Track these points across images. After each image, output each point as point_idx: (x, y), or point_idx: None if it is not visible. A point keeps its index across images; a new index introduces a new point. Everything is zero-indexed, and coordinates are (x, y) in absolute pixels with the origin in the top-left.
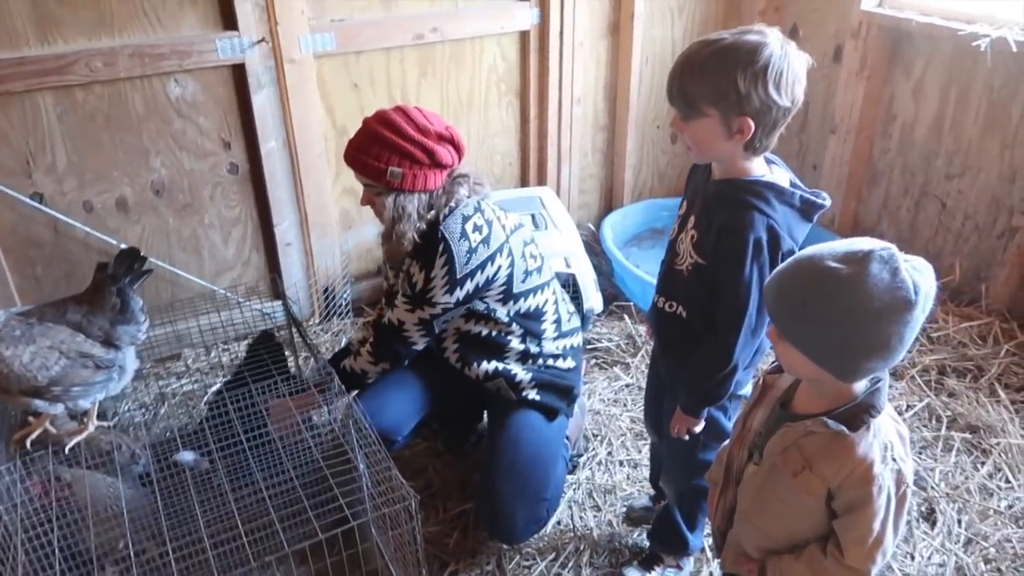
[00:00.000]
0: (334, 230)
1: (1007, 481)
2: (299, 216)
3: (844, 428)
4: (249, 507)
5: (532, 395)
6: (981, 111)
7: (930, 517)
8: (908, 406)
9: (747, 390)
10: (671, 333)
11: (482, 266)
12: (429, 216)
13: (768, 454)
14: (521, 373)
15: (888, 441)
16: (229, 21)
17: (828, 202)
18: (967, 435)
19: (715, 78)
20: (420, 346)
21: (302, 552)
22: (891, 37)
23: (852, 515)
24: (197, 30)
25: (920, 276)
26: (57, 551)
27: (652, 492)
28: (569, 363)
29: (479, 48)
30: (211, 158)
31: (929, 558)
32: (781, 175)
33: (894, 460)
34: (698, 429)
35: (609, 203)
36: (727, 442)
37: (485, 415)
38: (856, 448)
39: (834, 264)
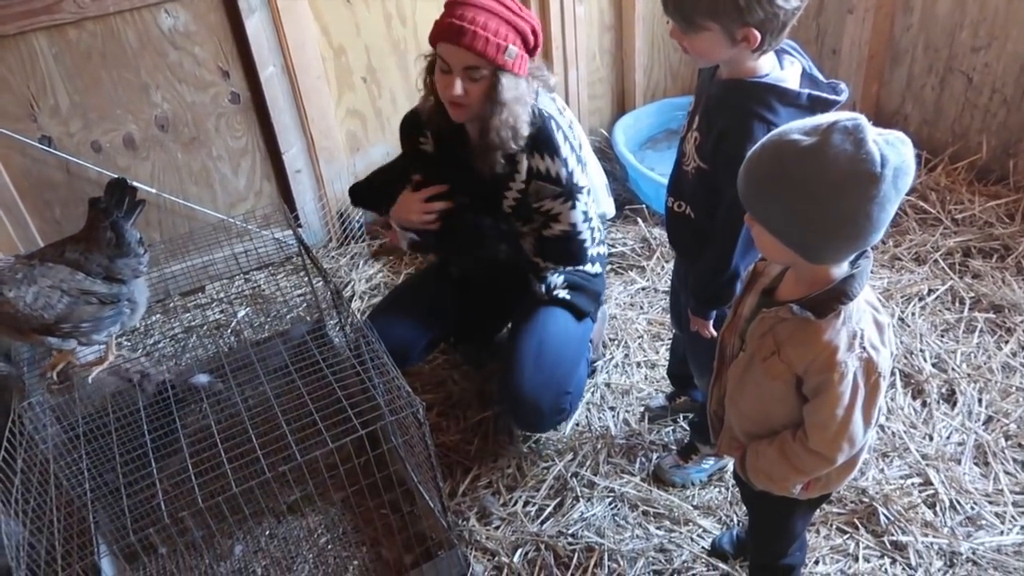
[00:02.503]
0: (342, 154)
1: None
2: (306, 142)
3: (809, 314)
4: (265, 422)
5: (562, 294)
6: None
7: (950, 398)
8: (930, 290)
9: None
10: (681, 233)
11: (576, 149)
12: (533, 102)
13: (748, 340)
14: (552, 275)
15: (859, 328)
16: None
17: (844, 96)
18: (991, 315)
19: None
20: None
21: (323, 461)
22: None
23: (816, 400)
24: None
25: (891, 149)
26: (86, 469)
27: (668, 391)
28: (597, 268)
29: None
30: (211, 89)
31: (948, 437)
32: (792, 69)
33: (863, 348)
34: (710, 329)
35: (622, 106)
36: (722, 328)
37: (505, 327)
38: (822, 334)
39: (797, 136)
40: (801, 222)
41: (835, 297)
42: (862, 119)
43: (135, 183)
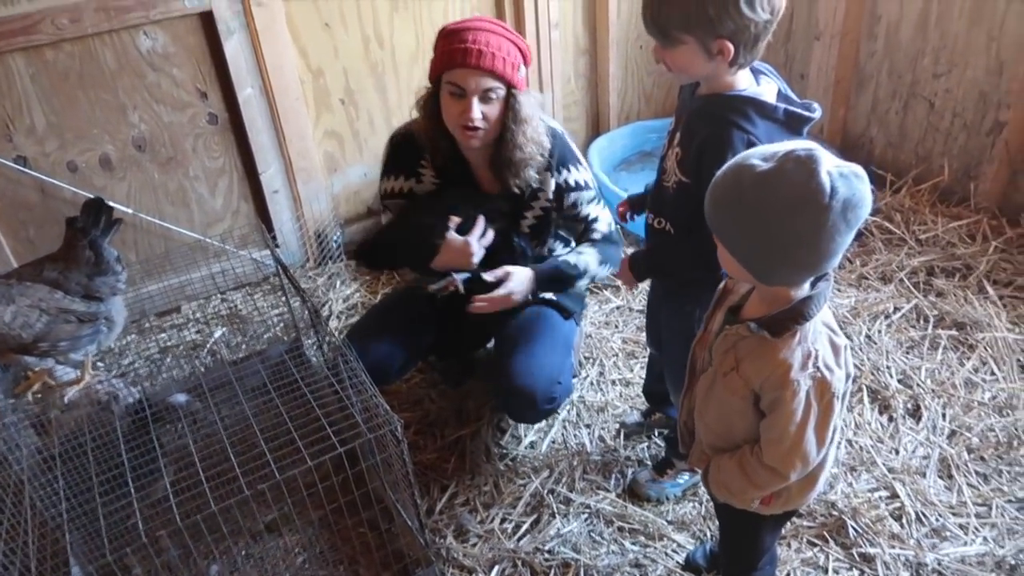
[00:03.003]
0: (320, 174)
1: (992, 373)
2: (283, 162)
3: (766, 332)
4: (242, 441)
5: (549, 295)
6: (966, 4)
7: (916, 413)
8: (895, 308)
9: None
10: (660, 248)
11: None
12: (540, 120)
13: (714, 355)
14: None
15: (814, 349)
16: None
17: (817, 114)
18: (954, 332)
19: (683, 5)
20: None
21: (301, 480)
22: None
23: (771, 416)
24: None
25: (843, 182)
26: (62, 489)
27: (643, 408)
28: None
29: None
30: (189, 109)
31: (914, 451)
32: (768, 87)
33: (816, 368)
34: (631, 286)
35: (596, 128)
36: (694, 341)
37: (485, 345)
38: (777, 352)
39: (756, 161)
40: (753, 244)
41: (791, 317)
42: (817, 150)
43: (111, 203)
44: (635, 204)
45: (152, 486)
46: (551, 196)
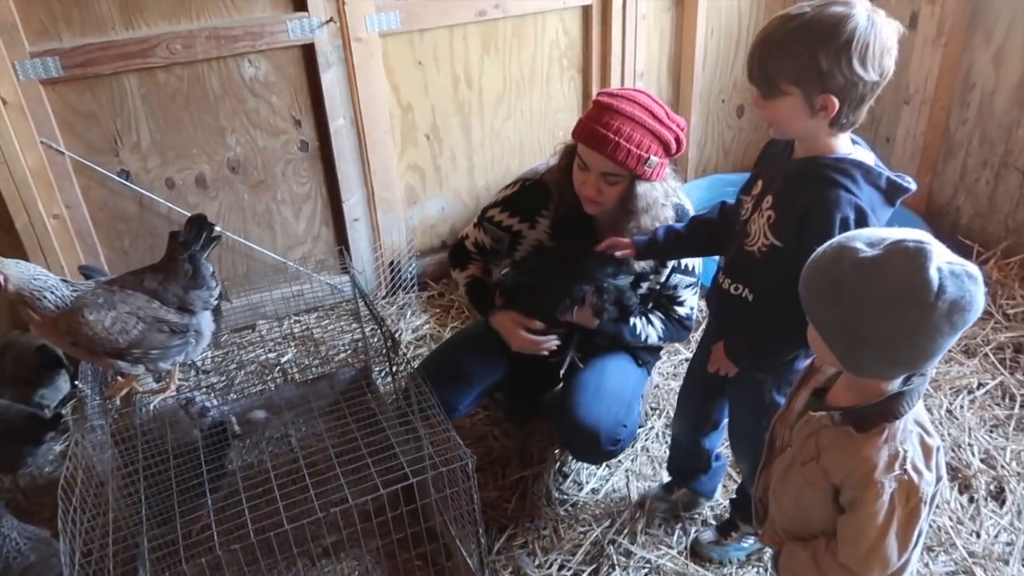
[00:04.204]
0: (400, 206)
1: None
2: (366, 192)
3: (850, 427)
4: (312, 464)
5: (615, 343)
6: None
7: (999, 496)
8: (980, 384)
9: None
10: (733, 315)
11: None
12: (664, 207)
13: (795, 438)
14: (607, 322)
15: (903, 449)
16: (299, 2)
17: (914, 186)
18: None
19: (795, 55)
20: None
21: (365, 506)
22: (970, 1)
23: (850, 515)
24: (269, 12)
25: (954, 281)
26: (142, 492)
27: (666, 480)
28: (646, 333)
29: (541, 23)
30: (283, 136)
31: (996, 536)
32: (865, 155)
33: (904, 470)
34: (731, 373)
35: None
36: (774, 417)
37: (554, 388)
38: (862, 449)
39: (861, 245)
40: (846, 331)
41: (880, 413)
42: (929, 243)
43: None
44: (642, 251)
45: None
46: (662, 279)
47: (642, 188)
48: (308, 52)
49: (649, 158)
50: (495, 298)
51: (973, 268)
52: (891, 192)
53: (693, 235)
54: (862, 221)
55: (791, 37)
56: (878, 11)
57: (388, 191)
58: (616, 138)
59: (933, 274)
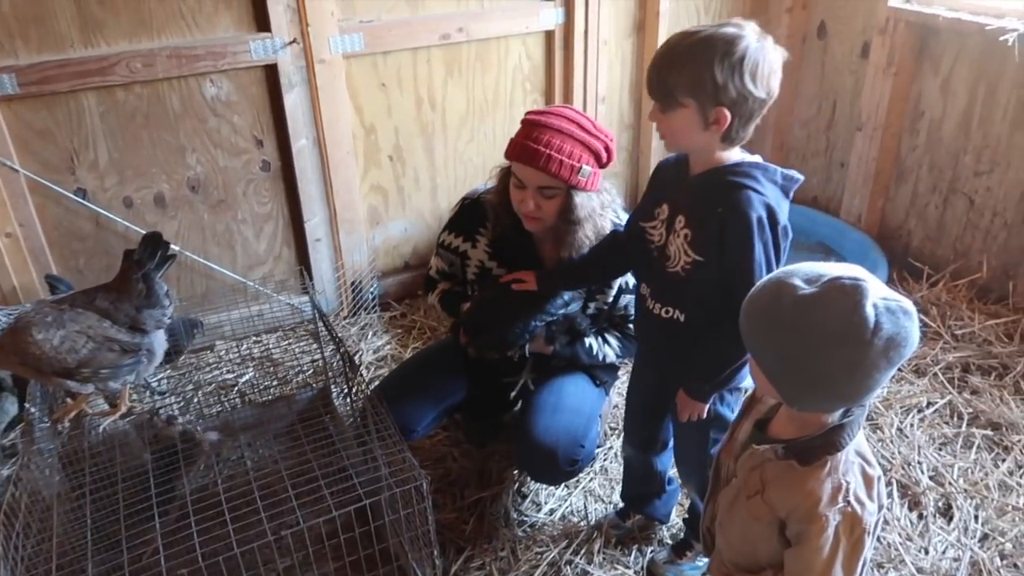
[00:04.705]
0: (362, 226)
1: None
2: (328, 212)
3: (794, 461)
4: (266, 485)
5: (569, 366)
6: (1010, 106)
7: (947, 512)
8: (929, 403)
9: (748, 382)
10: (667, 338)
11: None
12: (603, 216)
13: (739, 470)
14: (560, 347)
15: (845, 481)
16: (262, 23)
17: (802, 177)
18: (988, 432)
19: (693, 69)
20: None
21: (319, 529)
22: (919, 33)
23: (796, 548)
24: (232, 32)
25: (889, 318)
26: (88, 517)
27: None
28: (603, 353)
29: (504, 48)
30: (244, 155)
31: (944, 552)
32: (756, 159)
33: (847, 502)
34: (704, 413)
35: (635, 200)
36: (719, 446)
37: (513, 408)
38: (805, 483)
39: (799, 282)
40: (785, 366)
41: (822, 446)
42: (864, 280)
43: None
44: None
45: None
46: (609, 300)
47: (579, 198)
48: (271, 72)
49: (581, 167)
50: (459, 336)
51: (908, 304)
52: (786, 186)
53: (596, 256)
54: (772, 215)
55: (689, 52)
56: (766, 36)
57: (351, 211)
58: (547, 151)
59: (869, 311)
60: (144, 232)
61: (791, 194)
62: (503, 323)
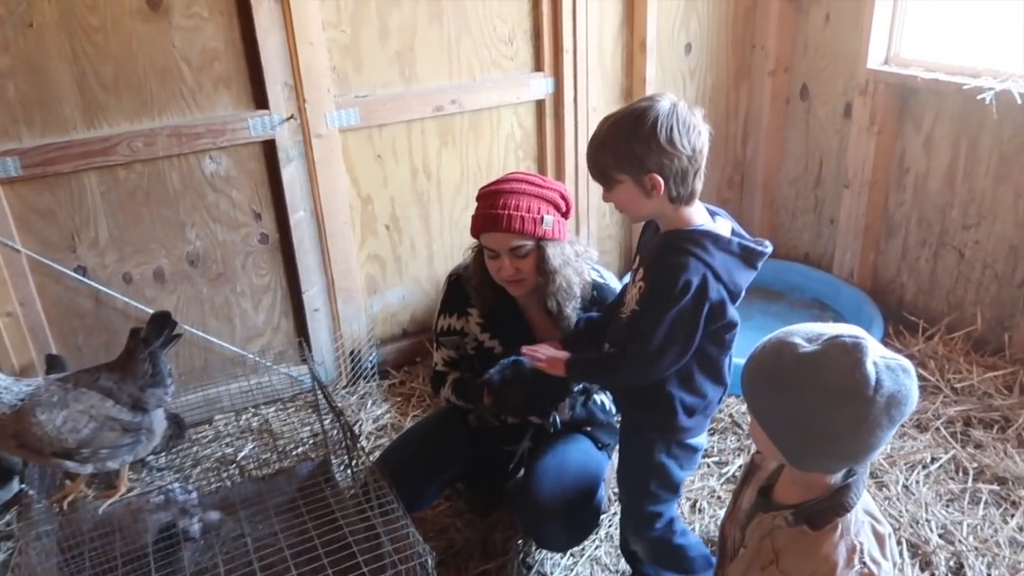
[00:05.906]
0: (360, 295)
1: None
2: (326, 282)
3: (805, 526)
4: (268, 567)
5: (584, 427)
6: (992, 161)
7: (959, 572)
8: (933, 459)
9: (700, 439)
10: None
11: None
12: (579, 262)
13: (748, 539)
14: (578, 409)
15: (858, 542)
16: (261, 101)
17: (769, 249)
18: (995, 487)
19: (614, 147)
20: None
21: None
22: (898, 93)
23: None
24: (231, 110)
25: (889, 376)
26: None
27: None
28: (613, 408)
29: (496, 117)
30: (243, 229)
31: None
32: (723, 224)
33: (863, 563)
34: (556, 372)
35: (628, 262)
36: (723, 514)
37: (516, 476)
38: (820, 547)
39: (800, 340)
40: (789, 427)
41: (832, 508)
42: (864, 339)
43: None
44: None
45: None
46: None
47: (552, 249)
48: (269, 148)
49: (543, 217)
50: (483, 396)
51: (906, 362)
52: (746, 256)
53: (605, 320)
54: (703, 285)
55: (609, 133)
56: (680, 101)
57: (348, 281)
58: (506, 211)
59: (870, 368)
60: (144, 307)
61: (757, 264)
62: (534, 387)
